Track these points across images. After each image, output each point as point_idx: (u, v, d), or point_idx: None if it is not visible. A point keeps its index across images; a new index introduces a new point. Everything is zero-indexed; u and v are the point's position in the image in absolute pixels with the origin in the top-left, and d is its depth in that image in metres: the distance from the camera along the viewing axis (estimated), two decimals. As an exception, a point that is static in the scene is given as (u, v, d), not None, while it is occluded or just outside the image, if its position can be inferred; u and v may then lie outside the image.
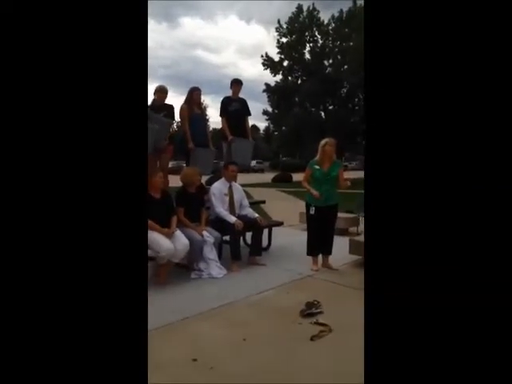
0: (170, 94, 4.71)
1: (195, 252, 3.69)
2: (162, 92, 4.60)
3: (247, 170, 24.28)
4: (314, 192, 3.86)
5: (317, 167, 3.93)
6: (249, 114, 5.30)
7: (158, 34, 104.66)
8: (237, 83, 5.17)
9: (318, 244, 4.01)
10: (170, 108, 4.62)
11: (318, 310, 2.81)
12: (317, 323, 2.62)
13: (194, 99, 4.79)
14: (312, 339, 2.41)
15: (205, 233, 3.79)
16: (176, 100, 4.80)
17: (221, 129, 5.29)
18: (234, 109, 5.10)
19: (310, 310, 2.80)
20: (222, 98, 5.22)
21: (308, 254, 4.04)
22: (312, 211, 3.93)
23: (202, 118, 5.04)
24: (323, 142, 3.96)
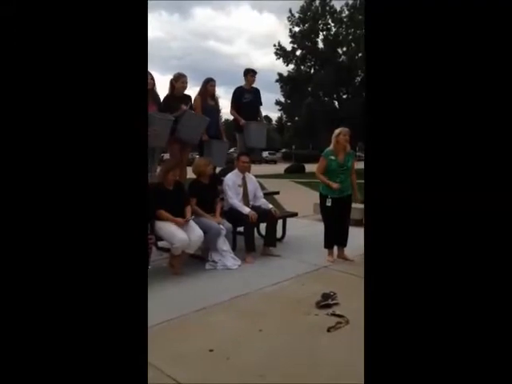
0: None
1: (211, 241, 3.69)
2: (183, 78, 4.43)
3: (259, 161, 24.28)
4: (334, 185, 3.75)
5: (332, 158, 3.83)
6: (261, 103, 5.24)
7: (170, 25, 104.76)
8: (252, 73, 5.06)
9: (335, 236, 3.97)
10: (189, 99, 4.56)
11: (335, 302, 2.78)
12: (333, 314, 2.60)
13: (208, 91, 4.73)
14: (329, 330, 2.39)
15: (219, 223, 3.79)
16: (188, 91, 4.75)
17: (233, 120, 5.24)
18: (248, 100, 5.03)
19: (326, 302, 2.78)
20: (234, 89, 5.14)
21: (325, 246, 3.99)
22: (329, 203, 3.83)
23: (216, 110, 4.99)
24: (337, 131, 3.86)
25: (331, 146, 3.87)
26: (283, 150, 37.76)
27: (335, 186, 3.75)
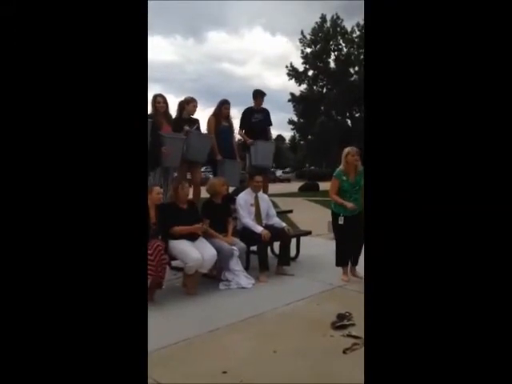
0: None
1: (224, 261, 3.68)
2: (194, 102, 4.62)
3: (273, 179, 24.35)
4: (350, 205, 3.73)
5: (344, 178, 3.83)
6: (270, 124, 5.29)
7: (185, 49, 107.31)
8: (260, 95, 5.16)
9: (348, 254, 3.92)
10: (197, 121, 4.69)
11: (350, 322, 2.72)
12: (349, 336, 2.54)
13: (222, 112, 4.83)
14: (344, 352, 2.33)
15: (232, 242, 3.79)
16: (203, 113, 4.91)
17: (240, 140, 5.33)
18: (257, 120, 5.11)
19: (341, 322, 2.72)
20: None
21: (337, 264, 3.94)
22: (341, 221, 3.81)
23: (230, 131, 5.07)
24: (345, 151, 3.85)
25: (341, 166, 3.86)
26: (287, 170, 37.46)
27: (350, 205, 3.73)
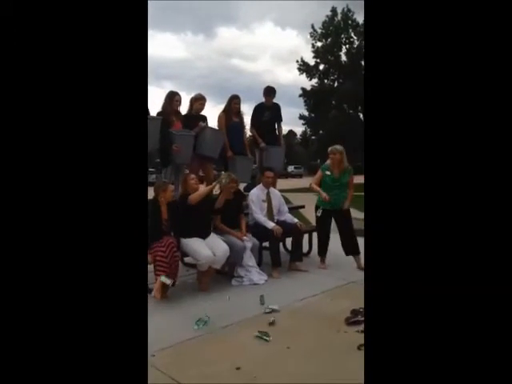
0: (207, 104, 4.75)
1: (236, 258, 3.68)
2: (202, 100, 4.61)
3: (285, 175, 24.30)
4: (323, 194, 4.01)
5: (328, 173, 4.06)
6: (280, 120, 5.23)
7: (195, 46, 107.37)
8: (269, 93, 5.08)
9: (325, 244, 4.18)
10: (205, 118, 4.68)
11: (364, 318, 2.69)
12: (363, 331, 2.51)
13: (232, 108, 4.80)
14: (359, 348, 2.31)
15: (245, 238, 3.78)
16: (213, 109, 4.87)
17: (252, 136, 5.28)
18: (268, 118, 5.06)
19: (355, 318, 2.70)
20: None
21: (318, 253, 4.22)
22: (319, 213, 4.10)
23: (240, 127, 5.04)
24: (329, 149, 4.10)
25: (328, 161, 4.13)
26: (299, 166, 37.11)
27: (324, 195, 4.01)
